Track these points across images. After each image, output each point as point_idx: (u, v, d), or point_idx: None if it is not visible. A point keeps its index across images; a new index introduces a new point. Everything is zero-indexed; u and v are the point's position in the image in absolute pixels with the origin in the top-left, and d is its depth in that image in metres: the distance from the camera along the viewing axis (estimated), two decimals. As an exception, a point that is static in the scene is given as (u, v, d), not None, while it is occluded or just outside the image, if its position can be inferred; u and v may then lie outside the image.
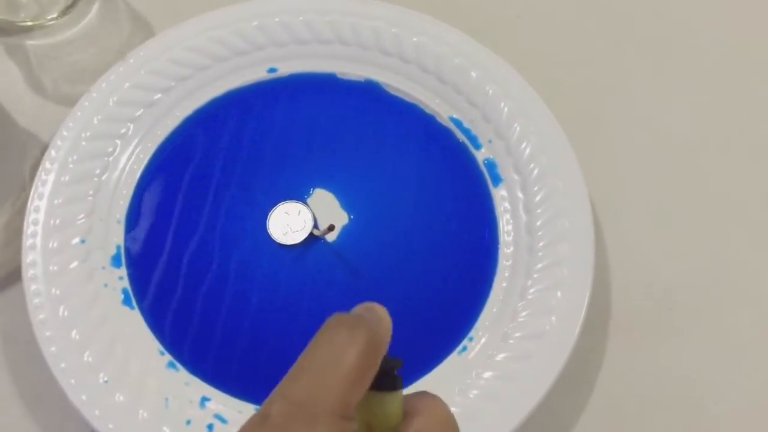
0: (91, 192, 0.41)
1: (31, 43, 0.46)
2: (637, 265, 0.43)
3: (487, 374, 0.38)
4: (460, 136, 0.43)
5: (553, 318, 0.39)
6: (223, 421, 0.37)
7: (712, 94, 0.47)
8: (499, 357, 0.38)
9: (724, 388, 0.40)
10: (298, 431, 0.20)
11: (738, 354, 0.41)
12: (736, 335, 0.41)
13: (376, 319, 0.22)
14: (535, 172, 0.42)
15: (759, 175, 0.45)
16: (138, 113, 0.42)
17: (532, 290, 0.39)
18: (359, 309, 0.23)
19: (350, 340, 0.21)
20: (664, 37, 0.48)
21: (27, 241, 0.39)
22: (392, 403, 0.22)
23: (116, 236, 0.40)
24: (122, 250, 0.40)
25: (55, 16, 0.46)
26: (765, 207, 0.44)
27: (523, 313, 0.39)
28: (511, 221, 0.41)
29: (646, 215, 0.44)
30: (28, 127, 0.43)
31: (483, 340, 0.39)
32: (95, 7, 0.46)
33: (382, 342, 0.22)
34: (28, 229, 0.39)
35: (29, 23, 0.45)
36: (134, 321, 0.38)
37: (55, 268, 0.38)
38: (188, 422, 0.36)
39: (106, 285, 0.39)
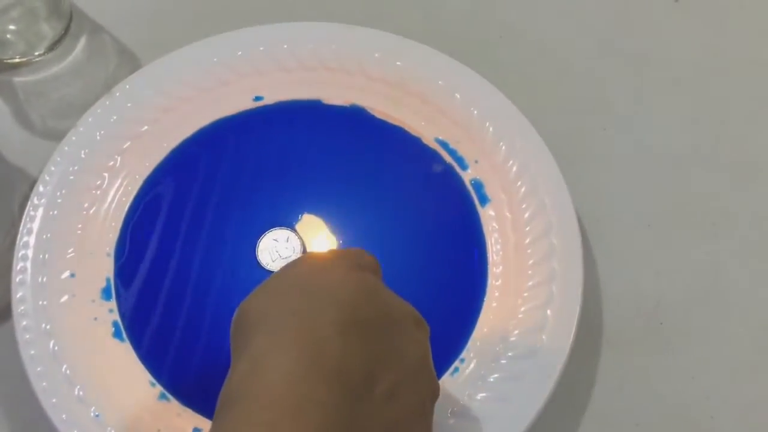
0: (79, 226, 0.41)
1: (18, 79, 0.46)
2: (627, 281, 0.43)
3: (480, 395, 0.38)
4: (447, 157, 0.43)
5: (544, 336, 0.38)
6: (215, 451, 0.37)
7: (697, 108, 0.47)
8: (491, 378, 0.38)
9: (718, 401, 0.40)
10: (334, 258, 0.31)
11: (731, 367, 0.41)
12: (728, 348, 0.41)
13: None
14: (522, 190, 0.42)
15: (746, 188, 0.45)
16: (125, 146, 0.43)
17: (522, 309, 0.39)
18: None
19: (368, 253, 0.33)
20: (646, 52, 0.49)
21: (16, 277, 0.39)
22: None
23: (106, 269, 0.40)
24: (112, 283, 0.40)
25: (42, 52, 0.46)
26: (753, 220, 0.44)
27: (514, 333, 0.39)
28: (500, 240, 0.41)
29: (634, 230, 0.44)
30: (16, 163, 0.44)
31: (474, 361, 0.39)
32: (81, 43, 0.47)
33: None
34: (18, 264, 0.39)
35: (17, 60, 0.46)
36: (125, 353, 0.39)
37: (45, 303, 0.38)
38: (181, 454, 0.36)
39: (96, 318, 0.39)
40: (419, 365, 0.29)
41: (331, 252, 0.33)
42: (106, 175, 0.42)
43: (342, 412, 0.25)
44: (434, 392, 0.30)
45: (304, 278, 0.30)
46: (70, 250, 0.40)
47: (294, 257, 0.41)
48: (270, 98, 0.44)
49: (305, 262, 0.31)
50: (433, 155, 0.43)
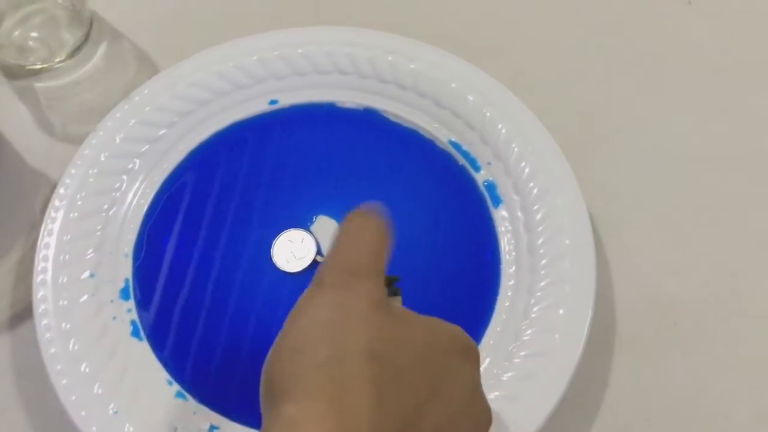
0: (99, 227, 0.42)
1: (40, 85, 0.47)
2: (640, 281, 0.43)
3: (493, 394, 0.38)
4: (460, 159, 0.44)
5: (557, 336, 0.39)
6: (231, 448, 0.37)
7: (710, 109, 0.47)
8: (504, 376, 0.38)
9: (732, 401, 0.40)
10: (353, 286, 0.27)
11: (745, 366, 0.41)
12: (742, 348, 0.41)
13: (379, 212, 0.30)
14: (535, 191, 0.42)
15: (761, 188, 0.45)
16: (144, 149, 0.43)
17: (535, 309, 0.40)
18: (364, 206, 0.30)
19: (369, 217, 0.29)
20: (660, 53, 0.49)
21: (37, 277, 0.39)
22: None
23: (124, 270, 0.41)
24: (130, 283, 0.41)
25: (63, 58, 0.47)
26: (766, 219, 0.44)
27: (527, 332, 0.39)
28: (512, 241, 0.42)
29: (646, 230, 0.44)
30: (38, 167, 0.45)
31: (487, 360, 0.39)
32: (101, 49, 0.48)
33: (389, 227, 0.29)
34: (39, 265, 0.40)
35: (39, 66, 0.47)
36: (143, 352, 0.39)
37: (65, 302, 0.39)
38: (197, 451, 0.37)
39: (114, 318, 0.40)
40: (468, 398, 0.28)
41: (353, 266, 0.28)
42: (125, 177, 0.43)
43: None
44: (488, 421, 0.29)
45: (327, 325, 0.26)
46: (89, 251, 0.41)
47: (308, 258, 0.41)
48: (285, 101, 0.45)
49: (322, 300, 0.27)
50: (447, 157, 0.44)
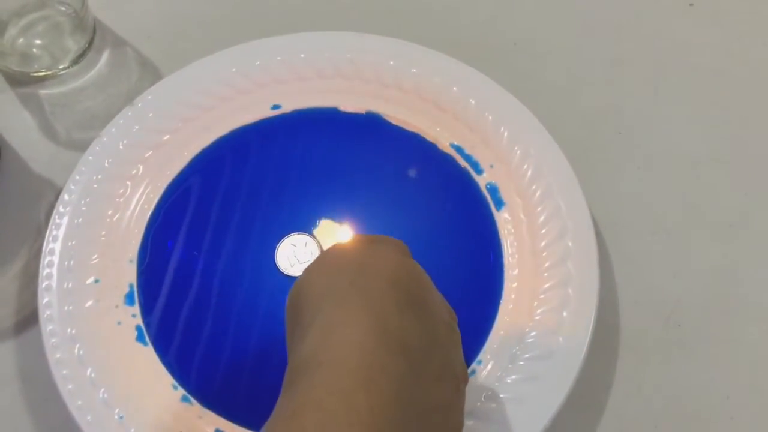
0: (103, 233, 0.42)
1: (44, 92, 0.47)
2: (644, 283, 0.43)
3: (497, 397, 0.38)
4: (462, 162, 0.44)
5: (561, 338, 0.39)
6: (236, 452, 0.37)
7: (712, 111, 0.47)
8: (508, 379, 0.38)
9: (738, 402, 0.40)
10: (381, 242, 0.32)
11: (749, 368, 0.41)
12: (746, 349, 0.41)
13: None
14: (537, 194, 0.42)
15: (762, 190, 0.45)
16: (147, 155, 0.44)
17: (538, 311, 0.40)
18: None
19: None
20: (661, 55, 0.49)
21: (42, 283, 0.40)
22: None
23: (129, 275, 0.41)
24: (135, 289, 0.41)
25: (66, 65, 0.47)
26: (769, 219, 0.44)
27: (531, 335, 0.39)
28: (515, 244, 0.42)
29: (650, 233, 0.44)
30: (42, 173, 0.45)
31: (491, 363, 0.39)
32: (105, 56, 0.48)
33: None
34: (44, 271, 0.40)
35: (42, 73, 0.47)
36: (148, 357, 0.39)
37: (70, 308, 0.39)
38: (202, 455, 0.37)
39: (119, 323, 0.40)
40: (455, 350, 0.31)
41: (376, 237, 0.34)
42: (128, 183, 0.43)
43: (407, 386, 0.26)
44: (465, 377, 0.31)
45: (360, 257, 0.31)
46: (94, 257, 0.41)
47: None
48: (288, 107, 0.45)
49: (356, 242, 0.33)
50: (449, 160, 0.44)
